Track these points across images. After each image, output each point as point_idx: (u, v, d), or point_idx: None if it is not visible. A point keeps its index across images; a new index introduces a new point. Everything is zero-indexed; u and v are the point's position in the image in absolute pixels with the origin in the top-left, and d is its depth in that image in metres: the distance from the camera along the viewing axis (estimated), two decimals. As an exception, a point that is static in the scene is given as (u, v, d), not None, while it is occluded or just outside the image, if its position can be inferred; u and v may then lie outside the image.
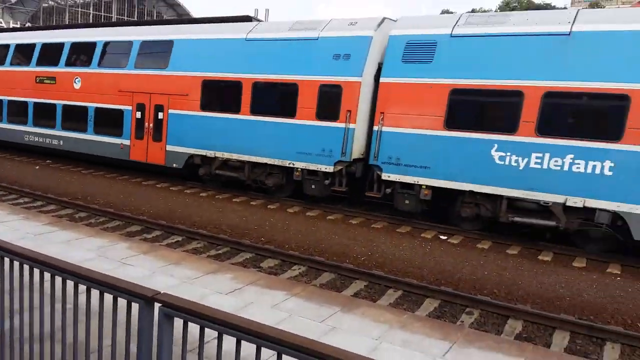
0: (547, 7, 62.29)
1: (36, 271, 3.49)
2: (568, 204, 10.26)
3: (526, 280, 8.99)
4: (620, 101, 9.72)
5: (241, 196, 14.65)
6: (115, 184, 16.11)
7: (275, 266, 9.40)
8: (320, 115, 12.88)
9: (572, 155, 10.13)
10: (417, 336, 5.97)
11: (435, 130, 11.43)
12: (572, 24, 10.35)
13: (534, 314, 7.55)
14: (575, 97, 10.21)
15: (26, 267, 3.56)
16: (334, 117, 12.64)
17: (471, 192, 11.31)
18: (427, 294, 8.25)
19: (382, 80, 12.08)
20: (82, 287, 3.26)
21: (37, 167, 18.35)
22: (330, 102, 12.66)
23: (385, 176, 12.14)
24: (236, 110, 14.28)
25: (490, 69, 10.87)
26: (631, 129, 9.63)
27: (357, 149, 12.78)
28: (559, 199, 10.32)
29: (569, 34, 10.27)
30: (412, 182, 11.85)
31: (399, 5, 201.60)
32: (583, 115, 10.38)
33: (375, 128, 12.14)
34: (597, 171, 9.91)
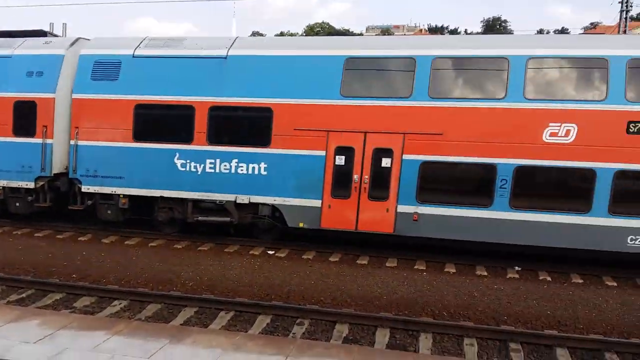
0: (347, 32, 68.61)
1: None
2: (238, 201, 11.97)
3: (348, 285, 9.57)
4: (267, 113, 11.61)
5: (45, 229, 13.05)
6: None
7: (92, 304, 8.50)
8: (17, 132, 12.93)
9: (236, 160, 11.84)
10: (252, 355, 5.95)
11: (125, 143, 12.36)
12: (229, 49, 12.02)
13: (357, 315, 8.06)
14: (233, 110, 11.89)
15: None
16: (31, 132, 12.79)
17: (163, 197, 12.39)
18: (259, 310, 8.26)
19: (74, 96, 12.63)
20: None
21: None
22: (26, 118, 12.84)
23: (85, 188, 12.64)
24: None
25: (167, 86, 12.12)
26: (276, 136, 11.59)
27: (58, 164, 12.98)
28: (230, 197, 11.98)
29: (225, 57, 11.95)
30: (111, 192, 12.54)
31: (210, 26, 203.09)
32: (241, 126, 12.04)
33: (72, 142, 12.61)
34: (257, 172, 11.77)
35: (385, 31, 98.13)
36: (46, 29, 16.13)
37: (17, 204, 13.13)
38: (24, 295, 8.84)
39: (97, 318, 7.43)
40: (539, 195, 10.83)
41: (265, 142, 11.62)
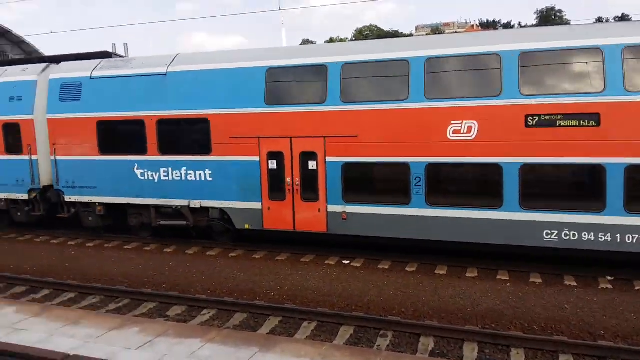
0: (396, 34, 67.74)
1: None
2: (191, 206, 12.89)
3: (428, 296, 9.43)
4: (205, 123, 12.47)
5: (133, 242, 13.84)
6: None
7: (183, 313, 8.92)
8: (9, 150, 14.64)
9: (185, 168, 12.80)
10: (340, 366, 6.00)
11: (93, 156, 13.64)
12: (168, 66, 12.97)
13: (442, 328, 7.89)
14: (177, 123, 12.78)
15: None
16: (19, 150, 14.46)
17: (130, 204, 13.47)
18: (341, 321, 8.31)
19: (47, 116, 13.98)
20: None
21: None
22: (13, 138, 14.53)
23: (67, 198, 14.05)
24: None
25: (121, 103, 13.20)
26: (215, 144, 12.46)
27: (46, 177, 14.47)
28: (184, 202, 12.96)
29: (165, 74, 12.90)
30: (88, 201, 13.80)
31: (260, 37, 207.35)
32: (186, 136, 12.87)
33: (52, 158, 14.04)
34: (204, 178, 12.68)
35: (435, 29, 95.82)
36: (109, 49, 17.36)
37: (18, 214, 14.90)
38: (120, 304, 9.40)
39: (190, 326, 7.77)
40: (452, 191, 11.14)
41: (207, 150, 12.54)
